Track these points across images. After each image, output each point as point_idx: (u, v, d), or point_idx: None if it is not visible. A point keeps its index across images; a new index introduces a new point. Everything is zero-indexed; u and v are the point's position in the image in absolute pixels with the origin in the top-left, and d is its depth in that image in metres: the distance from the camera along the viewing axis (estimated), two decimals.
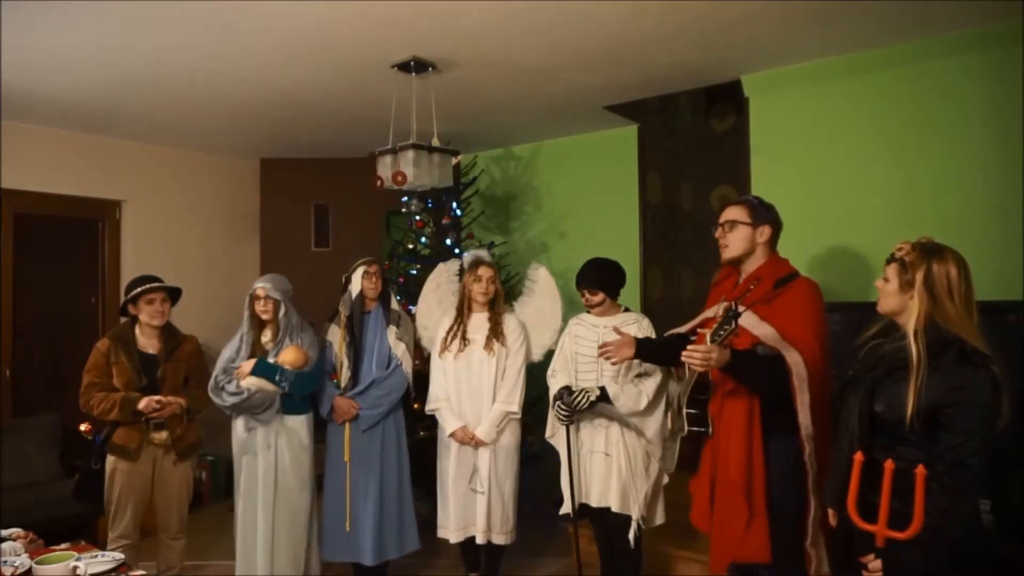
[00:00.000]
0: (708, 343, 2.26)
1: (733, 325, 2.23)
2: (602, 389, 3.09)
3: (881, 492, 1.80)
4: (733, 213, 2.62)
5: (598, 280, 3.22)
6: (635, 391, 3.07)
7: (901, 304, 2.00)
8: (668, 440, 3.12)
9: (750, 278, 2.59)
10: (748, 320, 2.45)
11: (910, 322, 1.93)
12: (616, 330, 3.00)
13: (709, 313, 2.71)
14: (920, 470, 1.74)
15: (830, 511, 2.18)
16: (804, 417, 2.36)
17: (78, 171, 4.95)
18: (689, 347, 2.30)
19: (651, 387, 3.08)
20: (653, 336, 3.17)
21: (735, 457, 2.44)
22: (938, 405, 1.85)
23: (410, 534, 3.61)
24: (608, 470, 3.18)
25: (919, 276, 1.94)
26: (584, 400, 3.09)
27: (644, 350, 2.87)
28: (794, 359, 2.35)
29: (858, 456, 1.87)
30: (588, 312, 3.33)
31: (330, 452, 3.60)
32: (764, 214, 2.61)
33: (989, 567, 1.99)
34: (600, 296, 3.22)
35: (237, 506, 3.46)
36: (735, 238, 2.60)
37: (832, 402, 2.27)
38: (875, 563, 1.88)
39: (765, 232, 2.59)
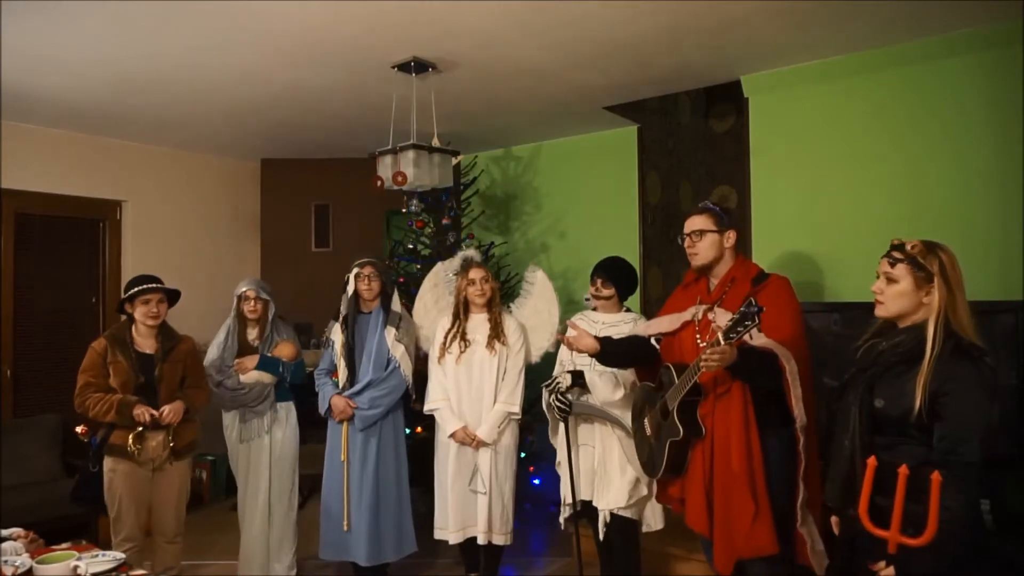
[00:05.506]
0: (722, 341, 2.26)
1: (756, 320, 2.20)
2: (581, 373, 3.12)
3: (893, 496, 1.75)
4: (699, 223, 2.72)
5: (614, 276, 3.25)
6: (612, 380, 3.07)
7: (913, 303, 1.95)
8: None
9: (725, 279, 2.69)
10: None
11: (931, 316, 1.90)
12: (571, 324, 3.05)
13: (687, 316, 2.74)
14: (936, 476, 1.69)
15: (833, 518, 2.17)
16: (799, 411, 2.43)
17: (79, 171, 4.95)
18: (708, 350, 2.32)
19: (629, 378, 3.09)
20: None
21: (736, 454, 2.47)
22: (933, 395, 1.84)
23: (408, 536, 3.59)
24: (591, 463, 3.20)
25: (935, 268, 1.92)
26: (562, 382, 3.14)
27: (608, 351, 2.89)
28: (786, 356, 2.43)
29: (871, 461, 1.82)
30: (590, 310, 3.34)
31: (328, 451, 3.60)
32: (727, 220, 2.73)
33: (994, 568, 1.96)
34: (611, 291, 3.24)
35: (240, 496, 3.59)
36: (704, 246, 2.70)
37: (828, 404, 2.26)
38: (887, 570, 1.84)
39: (731, 237, 2.71)
